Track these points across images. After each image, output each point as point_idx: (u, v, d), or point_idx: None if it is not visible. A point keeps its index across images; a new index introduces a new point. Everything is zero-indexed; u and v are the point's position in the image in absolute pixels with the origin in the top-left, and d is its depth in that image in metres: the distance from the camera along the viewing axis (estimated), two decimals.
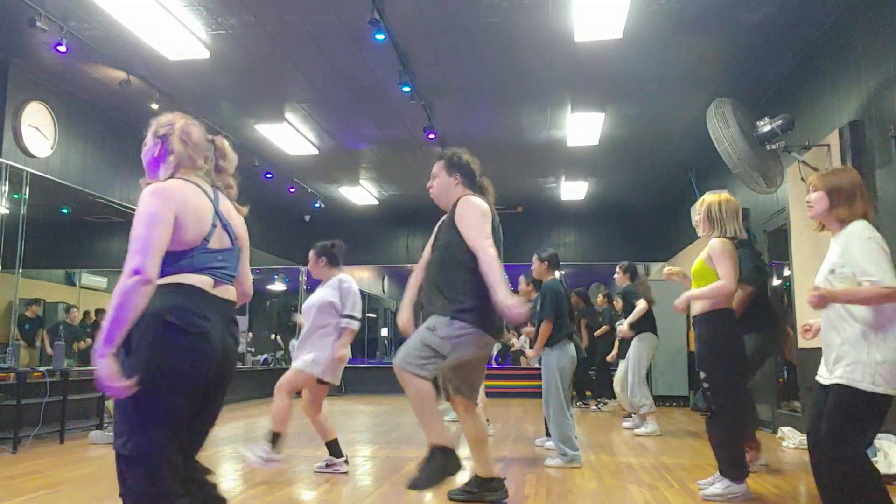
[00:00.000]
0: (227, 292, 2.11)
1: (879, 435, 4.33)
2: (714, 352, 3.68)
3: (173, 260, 1.96)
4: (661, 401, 8.68)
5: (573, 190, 10.66)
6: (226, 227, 2.14)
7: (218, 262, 2.07)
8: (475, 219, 3.23)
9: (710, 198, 3.85)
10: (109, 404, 4.43)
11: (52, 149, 6.55)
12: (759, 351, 4.46)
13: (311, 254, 4.58)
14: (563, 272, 5.17)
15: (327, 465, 4.42)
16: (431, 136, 7.70)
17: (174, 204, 1.97)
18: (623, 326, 6.71)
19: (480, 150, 9.41)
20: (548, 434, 5.20)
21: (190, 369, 1.93)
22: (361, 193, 10.94)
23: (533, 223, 11.89)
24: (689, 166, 9.15)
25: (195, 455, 2.08)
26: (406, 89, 6.42)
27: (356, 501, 3.69)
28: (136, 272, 1.83)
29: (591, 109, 7.35)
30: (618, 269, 6.98)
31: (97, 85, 6.61)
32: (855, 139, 4.98)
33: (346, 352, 4.36)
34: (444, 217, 3.44)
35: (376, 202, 11.53)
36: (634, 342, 6.59)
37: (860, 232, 2.57)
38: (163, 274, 1.92)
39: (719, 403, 3.67)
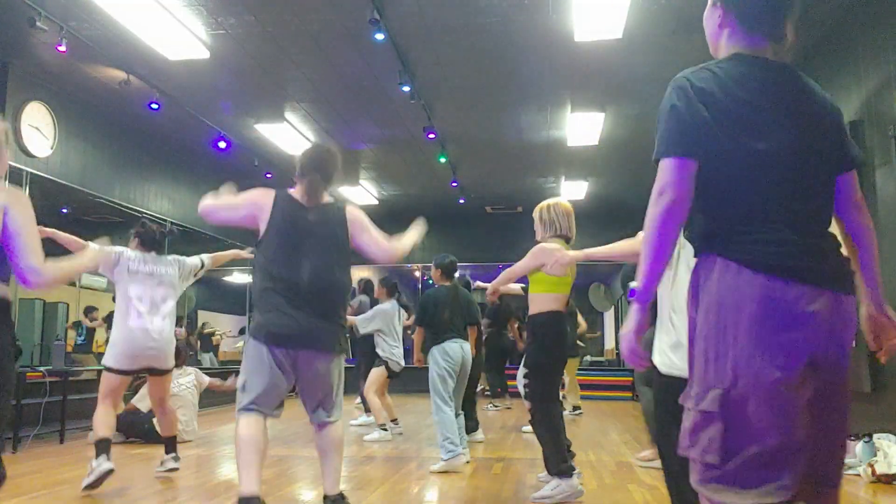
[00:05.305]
0: None
1: (880, 435, 4.33)
2: (543, 351, 3.77)
3: None
4: None
5: (573, 190, 10.65)
6: None
7: None
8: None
9: (541, 204, 4.04)
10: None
11: (51, 149, 6.55)
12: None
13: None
14: (459, 274, 5.31)
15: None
16: (431, 135, 7.70)
17: None
18: None
19: (480, 151, 9.27)
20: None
21: None
22: (361, 193, 10.93)
23: (533, 223, 11.88)
24: None
25: None
26: (406, 89, 6.41)
27: (356, 501, 3.69)
28: None
29: (590, 109, 7.35)
30: None
31: (97, 85, 6.61)
32: (855, 139, 4.92)
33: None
34: None
35: (376, 202, 11.52)
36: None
37: None
38: None
39: (538, 398, 3.76)
